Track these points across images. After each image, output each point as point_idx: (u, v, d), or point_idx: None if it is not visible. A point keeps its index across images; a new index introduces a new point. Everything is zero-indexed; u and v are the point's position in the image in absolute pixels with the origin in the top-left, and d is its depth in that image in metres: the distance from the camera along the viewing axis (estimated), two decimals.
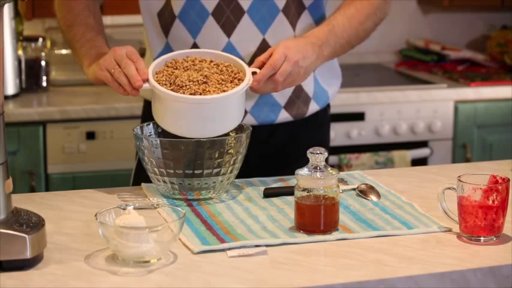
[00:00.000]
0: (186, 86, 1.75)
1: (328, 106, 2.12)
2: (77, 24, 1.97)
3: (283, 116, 2.00)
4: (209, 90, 1.75)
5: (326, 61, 1.92)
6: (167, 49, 1.96)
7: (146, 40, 2.05)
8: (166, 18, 1.96)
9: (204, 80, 1.76)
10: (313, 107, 2.04)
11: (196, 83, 1.75)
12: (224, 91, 1.75)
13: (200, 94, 1.74)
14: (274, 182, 1.91)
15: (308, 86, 2.01)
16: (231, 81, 1.78)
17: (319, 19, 2.01)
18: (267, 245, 1.53)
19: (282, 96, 1.98)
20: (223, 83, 1.78)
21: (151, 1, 1.98)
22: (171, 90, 1.75)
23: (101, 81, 1.83)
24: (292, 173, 1.88)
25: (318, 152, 1.60)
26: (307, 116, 2.03)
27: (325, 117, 2.13)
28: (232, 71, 1.80)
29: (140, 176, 1.99)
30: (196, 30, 1.93)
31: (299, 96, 2.00)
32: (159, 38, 1.98)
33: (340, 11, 1.95)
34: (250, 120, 1.96)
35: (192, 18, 1.92)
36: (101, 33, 1.98)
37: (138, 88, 1.77)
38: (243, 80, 1.78)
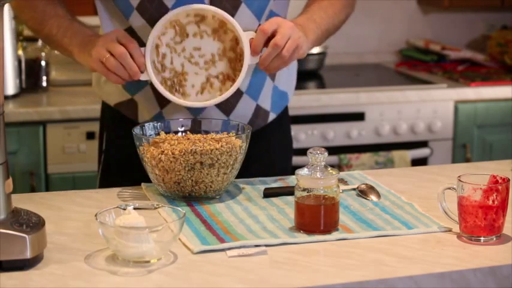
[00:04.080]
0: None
1: (286, 109, 2.12)
2: (47, 19, 1.92)
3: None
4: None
5: (312, 47, 1.91)
6: None
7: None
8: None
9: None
10: (272, 117, 2.04)
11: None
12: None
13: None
14: (274, 182, 1.91)
15: (266, 100, 2.00)
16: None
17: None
18: (266, 245, 1.53)
19: (243, 121, 1.95)
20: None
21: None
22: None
23: (96, 71, 1.83)
24: (255, 175, 1.88)
25: (318, 152, 1.60)
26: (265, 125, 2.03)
27: (285, 119, 2.12)
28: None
29: (106, 180, 2.01)
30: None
31: (258, 115, 2.00)
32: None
33: (314, 3, 1.98)
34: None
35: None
36: (74, 19, 1.93)
37: (136, 79, 1.80)
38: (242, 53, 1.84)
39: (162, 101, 1.92)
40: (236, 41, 1.84)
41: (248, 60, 1.82)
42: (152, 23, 1.85)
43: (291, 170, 2.06)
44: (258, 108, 2.00)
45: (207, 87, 1.86)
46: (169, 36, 1.84)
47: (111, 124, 2.04)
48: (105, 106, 2.07)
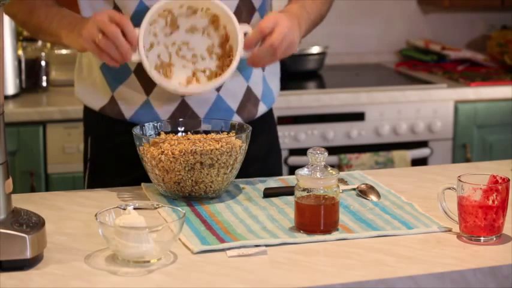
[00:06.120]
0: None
1: (271, 108, 2.11)
2: (36, 9, 1.90)
3: (235, 119, 1.96)
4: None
5: (301, 37, 1.91)
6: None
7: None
8: None
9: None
10: (262, 108, 2.03)
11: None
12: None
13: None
14: (274, 182, 1.91)
15: (257, 86, 2.00)
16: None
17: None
18: (266, 245, 1.53)
19: (234, 101, 1.96)
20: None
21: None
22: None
23: (86, 51, 1.82)
24: (244, 175, 1.88)
25: (318, 152, 1.60)
26: (256, 118, 2.01)
27: (272, 119, 2.12)
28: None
29: (93, 180, 2.00)
30: None
31: (249, 99, 1.99)
32: None
33: None
34: (205, 126, 1.91)
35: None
36: (64, 8, 1.91)
37: (127, 61, 1.78)
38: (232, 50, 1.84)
39: (148, 87, 1.90)
40: (225, 37, 1.85)
41: (240, 54, 1.82)
42: None
43: (281, 172, 2.06)
44: (249, 91, 1.98)
45: (193, 81, 1.86)
46: (160, 26, 1.84)
47: (96, 126, 2.01)
48: (87, 110, 2.03)
